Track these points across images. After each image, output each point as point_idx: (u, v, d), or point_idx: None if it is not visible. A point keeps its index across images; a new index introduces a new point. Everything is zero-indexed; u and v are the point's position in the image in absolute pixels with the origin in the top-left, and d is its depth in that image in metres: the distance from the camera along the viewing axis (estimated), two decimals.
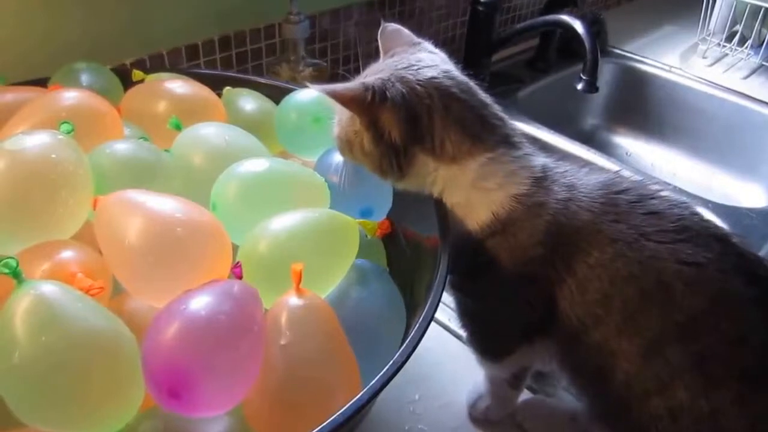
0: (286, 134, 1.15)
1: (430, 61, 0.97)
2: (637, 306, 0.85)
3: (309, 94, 1.14)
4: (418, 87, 0.92)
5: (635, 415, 0.88)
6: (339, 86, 0.91)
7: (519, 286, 0.93)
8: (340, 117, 0.98)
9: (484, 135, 0.94)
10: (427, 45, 1.05)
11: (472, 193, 0.93)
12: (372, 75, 0.95)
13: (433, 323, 1.21)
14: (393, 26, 1.06)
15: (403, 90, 0.91)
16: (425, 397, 1.10)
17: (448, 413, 1.08)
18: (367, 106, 0.91)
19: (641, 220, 0.87)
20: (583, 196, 0.90)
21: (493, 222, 0.92)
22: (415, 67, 0.95)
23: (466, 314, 1.03)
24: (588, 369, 0.91)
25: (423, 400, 1.09)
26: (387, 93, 0.91)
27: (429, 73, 0.94)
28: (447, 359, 1.18)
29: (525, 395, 1.11)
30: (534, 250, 0.90)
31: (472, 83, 0.98)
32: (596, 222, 0.88)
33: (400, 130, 0.92)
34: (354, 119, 0.94)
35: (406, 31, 1.06)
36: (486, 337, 1.03)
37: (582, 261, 0.88)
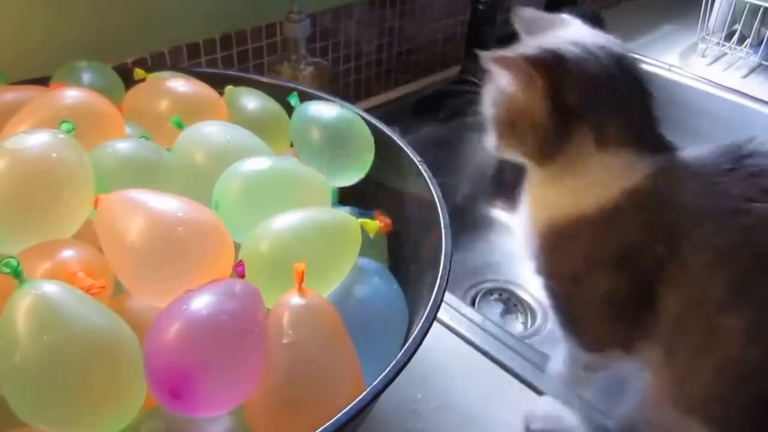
0: (302, 150, 1.13)
1: (593, 34, 0.95)
2: (747, 277, 0.84)
3: (329, 109, 1.11)
4: (594, 55, 0.90)
5: (719, 399, 0.88)
6: (516, 53, 0.88)
7: (616, 274, 0.93)
8: (497, 95, 0.95)
9: (648, 131, 0.93)
10: (578, 21, 1.02)
11: (593, 182, 0.92)
12: (535, 47, 0.91)
13: (435, 322, 1.22)
14: (530, 10, 1.04)
15: (583, 56, 0.89)
16: (427, 396, 1.10)
17: (450, 412, 1.08)
18: (550, 70, 0.88)
19: (746, 185, 0.86)
20: (689, 174, 0.90)
21: (601, 212, 0.91)
22: (583, 38, 0.93)
23: (557, 304, 1.03)
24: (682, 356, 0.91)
25: (425, 400, 1.09)
26: (568, 57, 0.89)
27: (600, 41, 0.93)
28: (449, 358, 1.17)
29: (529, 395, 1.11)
30: (638, 238, 0.90)
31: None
32: (700, 195, 0.87)
33: (579, 95, 0.89)
34: (524, 92, 0.90)
35: (545, 13, 1.04)
36: (578, 328, 1.03)
37: (686, 240, 0.86)
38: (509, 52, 0.89)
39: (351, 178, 1.09)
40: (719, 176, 0.87)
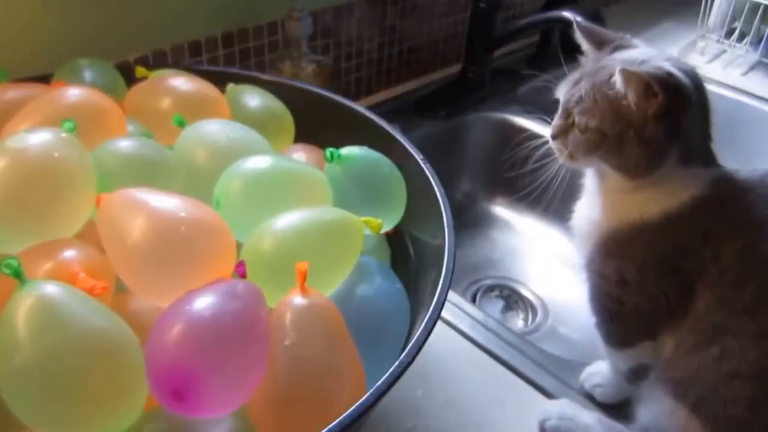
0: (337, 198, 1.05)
1: (666, 56, 0.98)
2: None
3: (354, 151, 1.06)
4: (691, 78, 0.94)
5: (710, 392, 0.92)
6: (644, 69, 0.90)
7: (664, 276, 0.96)
8: (602, 108, 0.95)
9: (708, 146, 0.99)
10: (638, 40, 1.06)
11: (665, 192, 0.96)
12: (654, 66, 0.93)
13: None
14: (587, 23, 1.07)
15: (687, 79, 0.92)
16: (428, 394, 1.10)
17: (452, 411, 1.08)
18: (670, 91, 0.89)
19: None
20: (743, 189, 0.94)
21: (665, 217, 0.95)
22: (671, 60, 0.96)
23: (599, 300, 1.06)
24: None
25: (425, 397, 1.09)
26: (683, 80, 0.91)
27: (686, 67, 0.96)
28: (450, 356, 1.18)
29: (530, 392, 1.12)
30: (691, 241, 0.94)
31: None
32: (749, 210, 0.92)
33: (687, 118, 0.93)
34: (640, 109, 0.92)
35: (604, 29, 1.07)
36: (614, 325, 1.06)
37: (729, 247, 0.91)
38: (633, 66, 0.91)
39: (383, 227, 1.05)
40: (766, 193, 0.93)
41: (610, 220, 1.00)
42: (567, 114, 1.01)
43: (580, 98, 0.98)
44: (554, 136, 1.03)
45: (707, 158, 0.98)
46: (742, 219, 0.92)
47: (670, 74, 0.90)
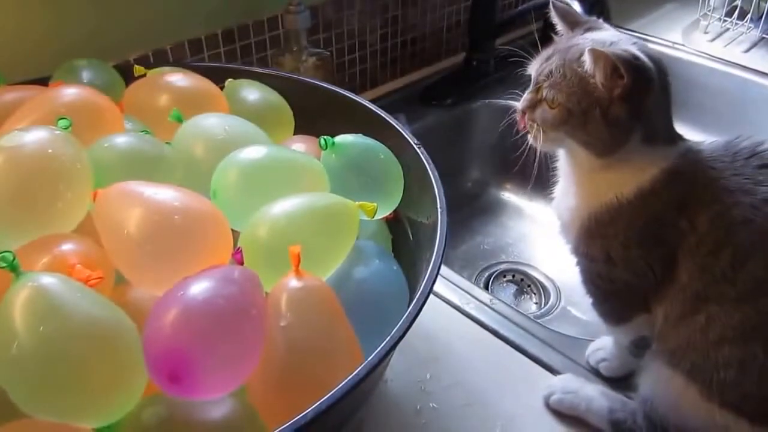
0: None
1: (633, 40, 1.00)
2: (748, 249, 0.90)
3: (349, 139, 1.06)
4: (655, 62, 0.96)
5: (702, 359, 0.93)
6: (612, 50, 0.91)
7: (647, 249, 0.98)
8: (570, 84, 0.97)
9: (671, 124, 1.01)
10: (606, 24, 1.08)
11: (633, 170, 0.97)
12: (622, 49, 0.94)
13: (444, 304, 1.22)
14: (562, 6, 1.08)
15: (651, 63, 0.94)
16: (436, 376, 1.10)
17: (459, 392, 1.09)
18: (635, 73, 0.91)
19: (755, 172, 0.92)
20: (709, 159, 0.96)
21: (639, 193, 0.97)
22: (637, 44, 0.98)
23: (591, 281, 1.09)
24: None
25: (434, 379, 1.10)
26: (646, 63, 0.93)
27: (651, 52, 0.98)
28: (458, 339, 1.18)
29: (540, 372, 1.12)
30: (668, 213, 0.95)
31: None
32: (718, 178, 0.93)
33: (650, 99, 0.94)
34: (607, 88, 0.93)
35: (578, 12, 1.08)
36: (609, 303, 1.09)
37: (704, 215, 0.93)
38: (600, 47, 0.92)
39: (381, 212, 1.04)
40: (733, 162, 0.94)
41: (587, 205, 1.02)
42: (537, 88, 1.02)
43: (550, 73, 0.99)
44: (523, 110, 1.04)
45: (671, 137, 1.00)
46: (713, 187, 0.93)
47: (635, 57, 0.92)
